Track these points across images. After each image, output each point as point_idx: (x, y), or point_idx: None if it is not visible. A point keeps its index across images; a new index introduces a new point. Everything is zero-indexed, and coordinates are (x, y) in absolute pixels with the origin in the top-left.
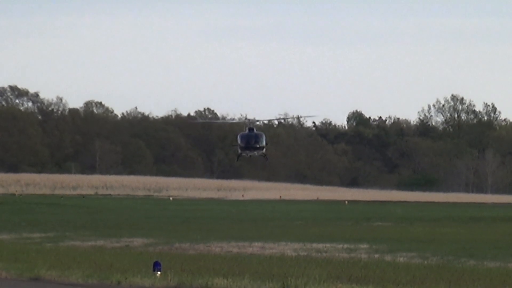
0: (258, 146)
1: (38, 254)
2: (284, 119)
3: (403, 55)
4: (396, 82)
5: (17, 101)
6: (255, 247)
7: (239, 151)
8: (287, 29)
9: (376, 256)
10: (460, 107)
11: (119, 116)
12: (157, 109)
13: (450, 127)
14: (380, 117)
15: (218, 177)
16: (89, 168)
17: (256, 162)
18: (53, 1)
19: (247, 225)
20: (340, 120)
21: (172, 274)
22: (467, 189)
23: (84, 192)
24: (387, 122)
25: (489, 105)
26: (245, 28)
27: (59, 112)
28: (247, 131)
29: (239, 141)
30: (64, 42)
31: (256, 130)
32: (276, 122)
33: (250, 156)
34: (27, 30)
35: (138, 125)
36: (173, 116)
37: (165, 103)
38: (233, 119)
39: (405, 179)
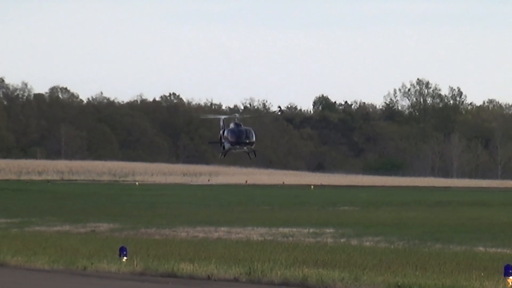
0: (248, 141)
1: (3, 240)
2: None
3: (369, 39)
4: (362, 66)
5: None
6: (221, 232)
7: (228, 146)
8: (253, 13)
9: (342, 240)
10: (426, 91)
11: (85, 101)
12: (122, 94)
13: (415, 111)
14: (346, 102)
15: (183, 162)
16: (54, 153)
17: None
18: None
19: (213, 210)
20: (306, 105)
21: (138, 259)
22: (433, 173)
23: (49, 177)
24: (353, 106)
25: (454, 89)
26: (210, 12)
27: (24, 97)
28: (233, 126)
29: (228, 136)
30: (29, 27)
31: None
32: (242, 106)
33: (234, 152)
34: None
35: (103, 110)
36: (139, 101)
37: (131, 88)
38: (199, 104)
39: (371, 164)
